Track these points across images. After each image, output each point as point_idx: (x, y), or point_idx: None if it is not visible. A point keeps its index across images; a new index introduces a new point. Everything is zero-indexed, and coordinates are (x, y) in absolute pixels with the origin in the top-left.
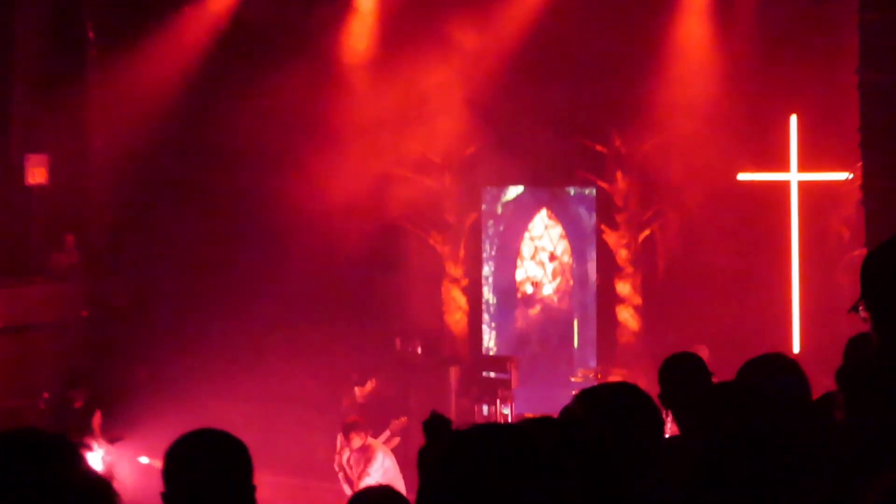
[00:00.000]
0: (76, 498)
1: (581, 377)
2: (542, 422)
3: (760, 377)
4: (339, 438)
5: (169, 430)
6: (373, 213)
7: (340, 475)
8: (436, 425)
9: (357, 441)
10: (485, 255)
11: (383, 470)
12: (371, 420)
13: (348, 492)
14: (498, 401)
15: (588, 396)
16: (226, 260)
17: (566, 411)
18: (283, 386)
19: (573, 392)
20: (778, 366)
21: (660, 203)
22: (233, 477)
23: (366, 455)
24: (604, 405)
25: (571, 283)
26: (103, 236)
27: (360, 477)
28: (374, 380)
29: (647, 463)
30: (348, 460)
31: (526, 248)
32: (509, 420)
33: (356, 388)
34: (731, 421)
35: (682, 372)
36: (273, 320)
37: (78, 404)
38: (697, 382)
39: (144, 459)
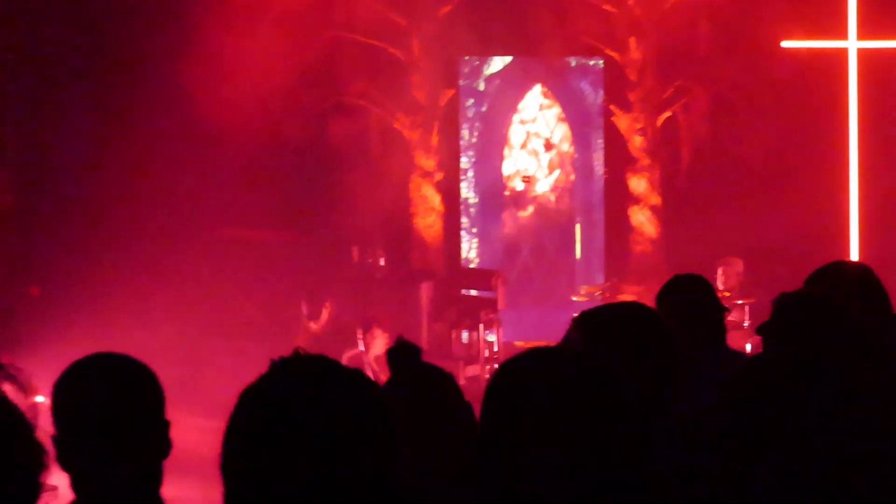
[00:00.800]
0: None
1: (585, 296)
2: (536, 354)
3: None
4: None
5: (66, 363)
6: (322, 91)
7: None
8: (402, 354)
9: (381, 342)
10: (463, 142)
11: None
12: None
13: None
14: (481, 326)
15: (589, 321)
16: (137, 147)
17: (566, 341)
18: (211, 307)
19: (575, 315)
20: (848, 277)
21: (683, 77)
22: (139, 410)
23: None
24: (608, 332)
25: (573, 177)
26: None
27: None
28: (328, 305)
29: (662, 400)
30: (377, 360)
31: (515, 134)
32: (495, 349)
33: (311, 323)
34: (792, 337)
35: (681, 301)
36: (198, 225)
37: None
38: (698, 317)
39: (40, 398)
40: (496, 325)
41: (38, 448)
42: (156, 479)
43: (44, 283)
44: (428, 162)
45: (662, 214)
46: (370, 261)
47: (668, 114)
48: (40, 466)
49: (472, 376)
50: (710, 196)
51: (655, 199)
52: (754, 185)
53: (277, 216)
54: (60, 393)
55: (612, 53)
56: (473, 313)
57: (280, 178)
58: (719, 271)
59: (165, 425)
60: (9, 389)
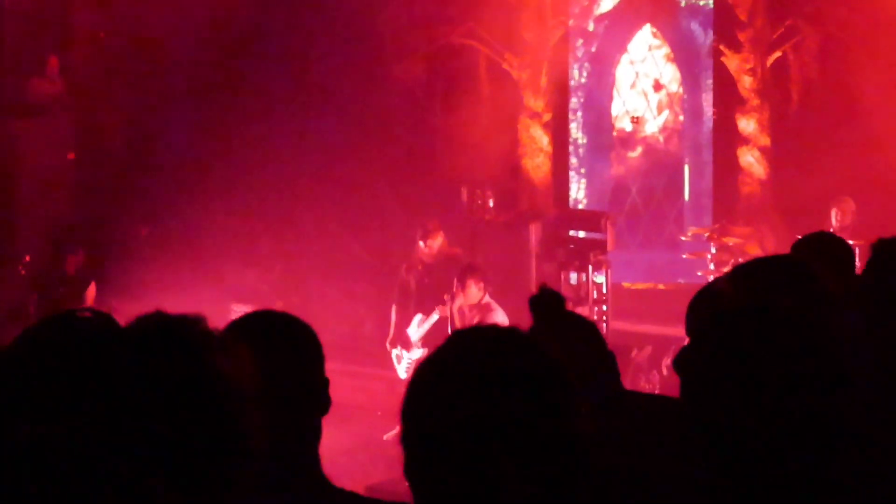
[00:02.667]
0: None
1: (693, 237)
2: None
3: None
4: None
5: (176, 301)
6: (429, 31)
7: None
8: (546, 303)
9: (475, 292)
10: (573, 83)
11: None
12: (435, 290)
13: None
14: (590, 267)
15: (743, 274)
16: (246, 86)
17: (712, 289)
18: (318, 248)
19: (683, 255)
20: None
21: (794, 16)
22: (299, 366)
23: (482, 313)
24: (764, 284)
25: (681, 118)
26: (93, 58)
27: None
28: (442, 233)
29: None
30: (461, 309)
31: (624, 74)
32: (604, 291)
33: (421, 243)
34: None
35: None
36: (304, 165)
37: (71, 270)
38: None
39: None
40: (605, 266)
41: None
42: (315, 434)
43: (153, 223)
44: (536, 102)
45: (772, 155)
46: (479, 202)
47: (778, 54)
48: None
49: None
50: (820, 136)
51: (765, 140)
52: (864, 125)
53: (385, 155)
54: None
55: None
56: (582, 255)
57: (386, 115)
58: (833, 211)
59: (325, 382)
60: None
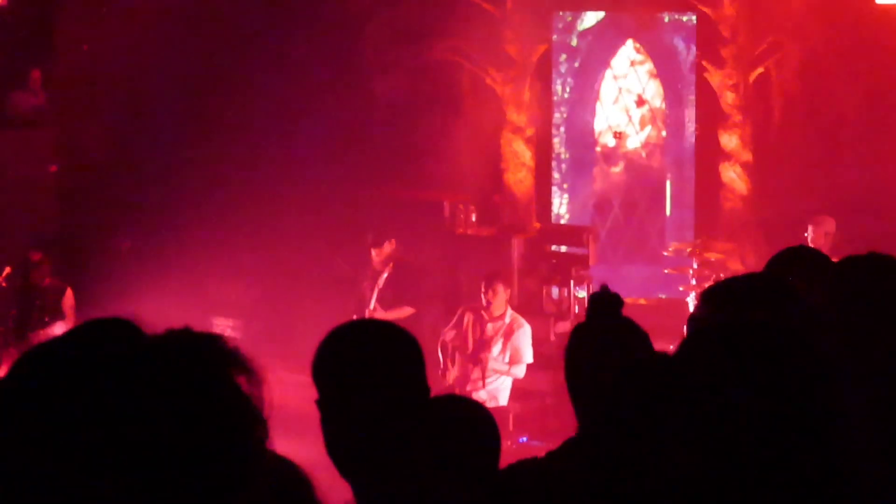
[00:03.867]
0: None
1: (675, 251)
2: None
3: None
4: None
5: (158, 314)
6: (413, 45)
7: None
8: (605, 302)
9: (502, 297)
10: (556, 98)
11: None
12: (393, 297)
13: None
14: (572, 282)
15: (715, 296)
16: (229, 99)
17: (693, 319)
18: (299, 262)
19: (665, 271)
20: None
21: (777, 33)
22: (405, 376)
23: (513, 325)
24: (740, 304)
25: (664, 134)
26: (76, 70)
27: (513, 358)
28: (392, 241)
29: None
30: (473, 325)
31: (607, 89)
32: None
33: (372, 251)
34: None
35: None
36: (287, 178)
37: (39, 282)
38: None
39: None
40: (587, 281)
41: (261, 442)
42: (413, 438)
43: (136, 236)
44: (519, 117)
45: (753, 171)
46: (461, 216)
47: (760, 70)
48: (261, 468)
49: (563, 332)
50: (802, 153)
51: (747, 156)
52: (846, 141)
53: (366, 170)
54: (326, 358)
55: (705, 9)
56: (564, 269)
57: (367, 130)
58: (809, 229)
59: (427, 391)
60: (244, 383)
